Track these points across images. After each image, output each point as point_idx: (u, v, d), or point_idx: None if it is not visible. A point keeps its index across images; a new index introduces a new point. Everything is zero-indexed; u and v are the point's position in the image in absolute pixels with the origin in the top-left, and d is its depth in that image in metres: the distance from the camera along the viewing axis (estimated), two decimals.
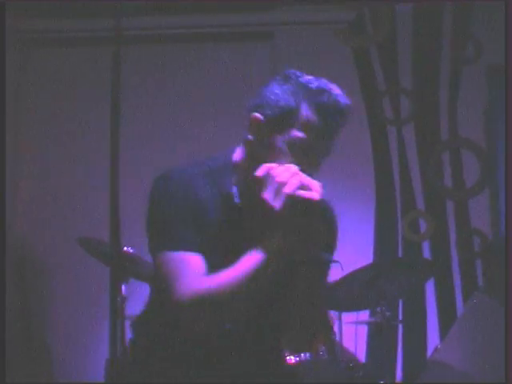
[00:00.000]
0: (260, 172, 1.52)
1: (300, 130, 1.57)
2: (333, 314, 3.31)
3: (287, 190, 1.48)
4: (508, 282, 2.09)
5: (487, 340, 2.81)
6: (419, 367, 3.90)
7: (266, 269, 1.51)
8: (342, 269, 3.49)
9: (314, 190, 1.49)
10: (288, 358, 2.99)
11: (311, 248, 1.56)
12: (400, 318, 4.17)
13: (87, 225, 4.23)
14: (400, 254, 4.30)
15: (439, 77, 4.43)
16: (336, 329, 3.30)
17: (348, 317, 3.61)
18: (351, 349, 3.58)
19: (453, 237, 4.29)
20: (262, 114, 1.62)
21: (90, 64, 4.52)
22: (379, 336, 3.34)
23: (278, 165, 1.53)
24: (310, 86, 1.60)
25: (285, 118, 1.58)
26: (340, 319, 3.50)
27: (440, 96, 4.42)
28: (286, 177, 1.49)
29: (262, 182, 1.51)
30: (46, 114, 4.57)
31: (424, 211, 4.32)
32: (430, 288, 4.17)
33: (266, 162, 1.54)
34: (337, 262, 3.90)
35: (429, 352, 4.01)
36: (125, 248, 3.10)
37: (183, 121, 4.43)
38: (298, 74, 1.64)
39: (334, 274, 3.52)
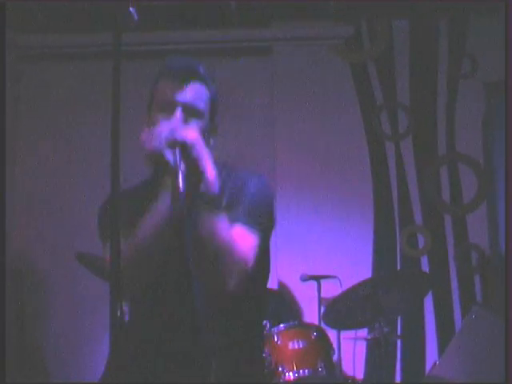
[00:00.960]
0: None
1: (155, 99, 1.84)
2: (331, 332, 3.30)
3: (160, 131, 1.61)
4: (508, 293, 2.09)
5: (486, 354, 2.80)
6: (418, 383, 3.88)
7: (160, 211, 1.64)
8: (341, 285, 3.49)
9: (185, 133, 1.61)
10: (287, 374, 2.98)
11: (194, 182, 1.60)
12: (399, 333, 4.16)
13: (86, 237, 4.21)
14: (399, 269, 4.29)
15: (436, 92, 4.45)
16: (335, 345, 3.29)
17: (346, 333, 3.60)
18: (350, 365, 3.56)
19: (451, 251, 4.29)
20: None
21: (89, 78, 4.54)
22: (378, 352, 3.32)
23: None
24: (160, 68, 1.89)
25: (151, 97, 1.87)
26: (339, 335, 3.50)
27: (437, 111, 4.44)
28: (159, 128, 1.63)
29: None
30: (46, 126, 4.58)
31: (422, 226, 4.33)
32: (428, 303, 4.16)
33: None
34: (335, 277, 3.90)
35: (427, 367, 4.00)
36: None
37: None
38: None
39: (333, 290, 3.54)
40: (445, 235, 4.31)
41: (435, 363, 3.13)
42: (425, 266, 4.27)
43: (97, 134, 4.35)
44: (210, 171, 1.61)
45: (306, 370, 3.00)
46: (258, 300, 1.88)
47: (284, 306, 4.09)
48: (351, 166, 4.37)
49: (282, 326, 3.14)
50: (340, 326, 3.46)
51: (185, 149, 1.58)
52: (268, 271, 1.92)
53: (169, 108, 1.75)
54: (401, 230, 4.32)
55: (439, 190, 4.36)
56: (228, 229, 1.66)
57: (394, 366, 4.13)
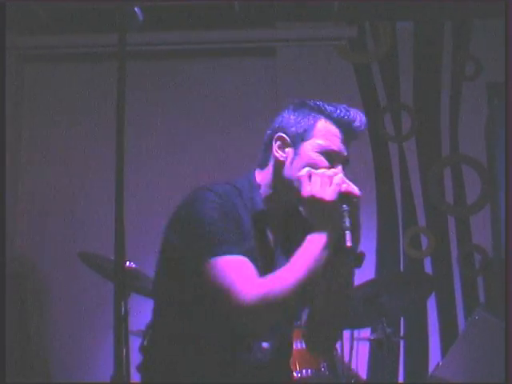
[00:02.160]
0: (303, 172, 1.65)
1: (321, 139, 1.73)
2: None
3: (337, 180, 1.62)
4: (508, 295, 2.09)
5: (489, 356, 2.80)
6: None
7: (321, 261, 1.57)
8: None
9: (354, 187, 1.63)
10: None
11: (354, 240, 1.59)
12: (401, 334, 4.16)
13: (88, 238, 4.23)
14: (402, 270, 4.29)
15: (440, 93, 4.46)
16: (337, 345, 3.29)
17: (349, 333, 3.60)
18: (353, 365, 3.56)
19: (454, 253, 4.28)
20: (285, 134, 1.76)
21: (92, 79, 4.55)
22: (381, 352, 3.32)
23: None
24: (323, 105, 1.78)
25: (306, 131, 1.74)
26: (341, 336, 3.49)
27: (441, 112, 4.44)
28: (331, 173, 1.64)
29: (304, 182, 1.63)
30: (48, 128, 4.59)
31: (425, 227, 4.32)
32: (431, 304, 4.16)
33: (296, 174, 1.68)
34: None
35: (430, 368, 3.99)
36: (127, 263, 3.09)
37: (187, 134, 4.45)
38: (308, 100, 1.80)
39: None
40: (448, 236, 4.30)
41: (438, 364, 3.13)
42: (428, 268, 4.27)
43: (100, 135, 4.37)
44: (361, 229, 1.65)
45: (309, 370, 3.00)
46: None
47: None
48: (355, 167, 4.35)
49: None
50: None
51: (353, 204, 1.60)
52: None
53: (333, 158, 1.73)
54: (404, 231, 4.32)
55: (442, 191, 4.36)
56: None
57: (397, 367, 4.13)
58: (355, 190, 1.62)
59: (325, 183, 1.61)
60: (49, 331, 4.35)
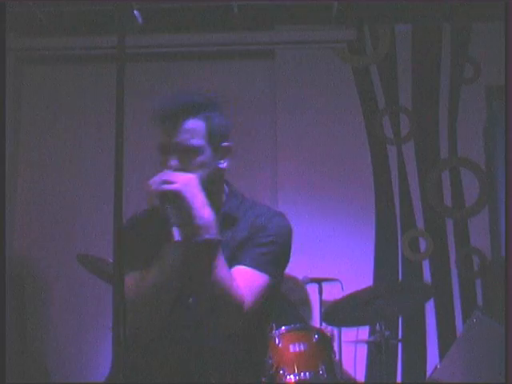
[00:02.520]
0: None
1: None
2: (331, 330, 3.30)
3: (149, 186, 1.70)
4: (508, 298, 2.09)
5: (487, 359, 2.80)
6: None
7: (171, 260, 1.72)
8: (343, 289, 3.50)
9: (174, 183, 1.68)
10: (288, 377, 2.98)
11: (194, 231, 1.67)
12: (400, 336, 4.16)
13: (87, 241, 4.23)
14: (400, 272, 4.29)
15: (438, 96, 4.46)
16: (335, 348, 3.29)
17: (347, 336, 3.60)
18: (350, 368, 3.56)
19: (452, 256, 4.29)
20: None
21: (91, 81, 4.55)
22: (379, 355, 3.32)
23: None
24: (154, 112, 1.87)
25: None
26: (340, 338, 3.49)
27: (439, 115, 4.44)
28: (153, 179, 1.72)
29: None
30: (48, 130, 4.59)
31: (424, 230, 4.33)
32: (429, 307, 4.16)
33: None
34: (337, 280, 3.90)
35: (428, 371, 3.99)
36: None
37: None
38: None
39: (335, 293, 3.54)
40: (446, 239, 4.31)
41: (436, 367, 3.13)
42: (426, 270, 4.27)
43: (99, 137, 4.37)
44: (205, 217, 1.68)
45: (307, 373, 3.00)
46: (254, 341, 1.88)
47: (288, 307, 4.08)
48: (353, 169, 4.37)
49: (283, 328, 3.14)
50: (340, 323, 3.45)
51: (174, 200, 1.66)
52: (268, 316, 1.94)
53: (166, 151, 1.81)
54: (402, 233, 4.32)
55: (441, 194, 4.36)
56: (227, 269, 1.71)
57: (395, 370, 4.12)
58: (172, 187, 1.67)
59: (146, 192, 1.70)
60: (48, 332, 4.35)
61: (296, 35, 4.52)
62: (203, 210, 1.68)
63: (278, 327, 3.13)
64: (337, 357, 3.29)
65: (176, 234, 1.62)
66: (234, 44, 4.52)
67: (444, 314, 4.19)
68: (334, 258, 4.15)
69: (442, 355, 4.03)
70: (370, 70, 4.52)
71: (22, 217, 4.48)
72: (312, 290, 3.93)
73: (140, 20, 1.32)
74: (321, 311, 3.65)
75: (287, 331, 3.13)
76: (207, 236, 1.66)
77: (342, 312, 3.30)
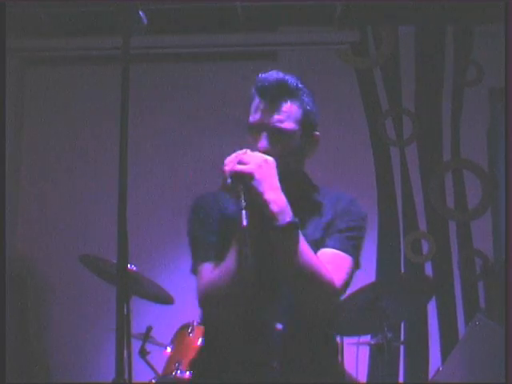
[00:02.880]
0: None
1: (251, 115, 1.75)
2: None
3: (226, 163, 1.62)
4: (508, 301, 2.09)
5: (489, 362, 2.80)
6: None
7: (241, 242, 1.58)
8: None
9: (248, 164, 1.59)
10: None
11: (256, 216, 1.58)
12: (402, 339, 4.15)
13: (88, 241, 4.23)
14: (402, 272, 4.29)
15: (441, 98, 4.46)
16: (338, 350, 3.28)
17: (349, 338, 3.59)
18: (352, 369, 3.56)
19: (455, 258, 4.28)
20: None
21: (95, 81, 4.55)
22: (381, 357, 3.32)
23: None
24: (256, 82, 1.80)
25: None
26: (342, 340, 3.48)
27: (442, 117, 4.44)
28: (229, 158, 1.64)
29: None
30: (51, 130, 4.60)
31: (426, 232, 4.32)
32: (432, 309, 4.16)
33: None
34: None
35: (431, 373, 3.99)
36: (128, 266, 3.08)
37: (189, 137, 4.46)
38: None
39: None
40: (449, 241, 4.30)
41: (438, 369, 3.12)
42: (429, 272, 4.27)
43: (102, 138, 4.37)
44: (276, 202, 1.59)
45: None
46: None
47: None
48: (356, 171, 4.37)
49: None
50: (343, 332, 3.44)
51: (245, 182, 1.57)
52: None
53: (256, 131, 1.73)
54: (405, 235, 4.32)
55: (444, 196, 4.36)
56: (312, 253, 1.63)
57: (397, 372, 4.12)
58: (246, 168, 1.58)
59: (223, 169, 1.62)
60: (49, 332, 4.35)
61: (299, 37, 4.52)
62: (275, 195, 1.59)
63: None
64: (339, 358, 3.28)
65: (244, 218, 1.52)
66: (237, 45, 4.52)
67: (446, 316, 4.19)
68: None
69: (444, 357, 4.03)
70: (373, 72, 4.51)
71: (24, 217, 4.49)
72: None
73: (145, 21, 1.32)
74: None
75: None
76: (286, 220, 1.58)
77: (344, 317, 3.28)
